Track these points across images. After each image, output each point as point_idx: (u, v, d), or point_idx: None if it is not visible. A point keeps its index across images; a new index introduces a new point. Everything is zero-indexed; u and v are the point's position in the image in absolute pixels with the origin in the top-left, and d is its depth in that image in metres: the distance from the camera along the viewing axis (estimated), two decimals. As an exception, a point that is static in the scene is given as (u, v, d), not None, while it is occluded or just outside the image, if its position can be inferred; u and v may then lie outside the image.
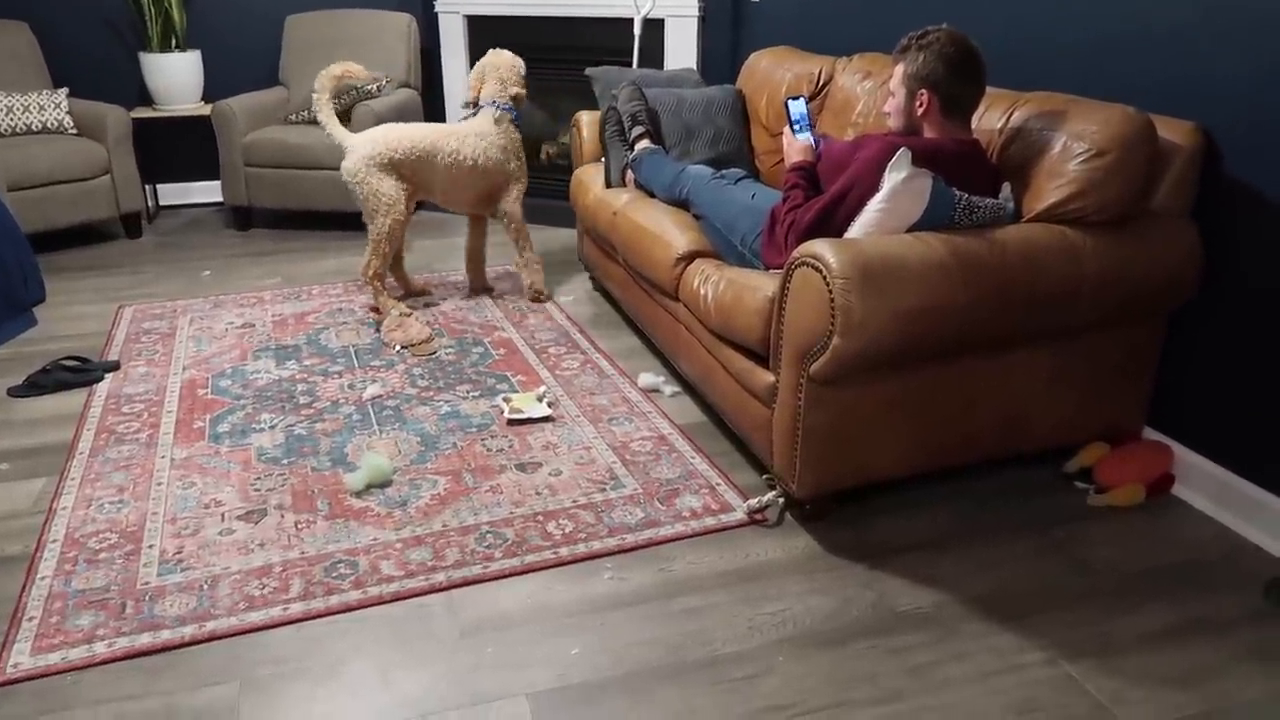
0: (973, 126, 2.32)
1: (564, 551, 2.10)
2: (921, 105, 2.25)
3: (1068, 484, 2.38)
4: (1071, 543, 2.16)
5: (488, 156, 3.44)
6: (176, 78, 4.72)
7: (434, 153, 3.37)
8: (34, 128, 4.30)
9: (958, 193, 2.10)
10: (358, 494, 2.32)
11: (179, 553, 2.09)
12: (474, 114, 3.55)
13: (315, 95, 3.30)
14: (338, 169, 4.33)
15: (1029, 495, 2.34)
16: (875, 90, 2.93)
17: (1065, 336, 2.19)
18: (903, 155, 2.04)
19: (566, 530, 2.18)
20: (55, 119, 4.34)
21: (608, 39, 4.51)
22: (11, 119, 4.25)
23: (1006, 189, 2.25)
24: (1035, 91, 2.41)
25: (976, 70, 2.24)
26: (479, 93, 3.53)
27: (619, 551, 2.11)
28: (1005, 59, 2.65)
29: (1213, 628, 1.88)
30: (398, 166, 3.33)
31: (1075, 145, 2.13)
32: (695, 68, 4.26)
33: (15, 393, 2.90)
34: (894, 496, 2.32)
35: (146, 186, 4.82)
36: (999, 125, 2.36)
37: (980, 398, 2.18)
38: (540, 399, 2.78)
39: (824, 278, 1.90)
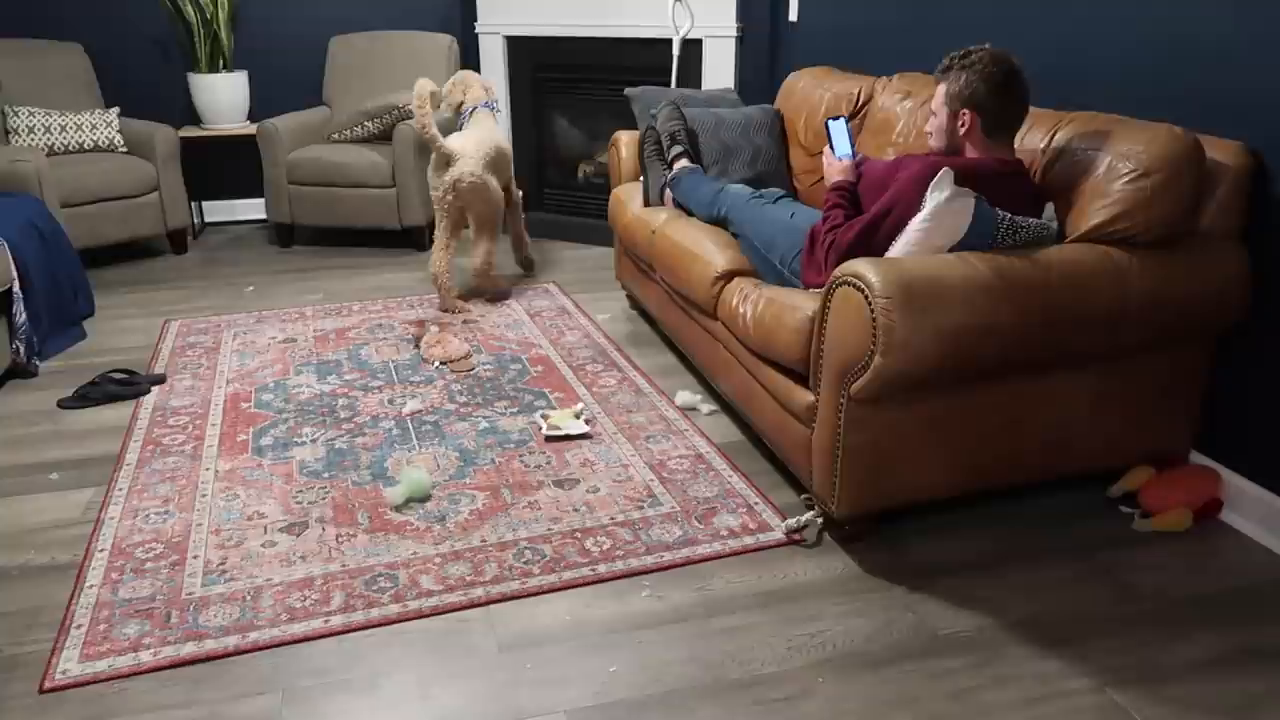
0: (1015, 146, 2.32)
1: (602, 569, 2.11)
2: (964, 125, 2.24)
3: (1112, 508, 2.35)
4: (1117, 567, 2.12)
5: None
6: (223, 97, 4.82)
7: (505, 152, 3.87)
8: (86, 146, 4.42)
9: (1000, 212, 2.08)
10: (397, 508, 2.34)
11: (223, 564, 2.12)
12: (468, 118, 3.90)
13: (417, 108, 3.49)
14: (381, 187, 4.45)
15: (1072, 519, 2.31)
16: (915, 110, 2.92)
17: (1110, 358, 2.17)
18: (945, 175, 2.04)
19: (604, 547, 2.18)
20: (106, 138, 4.45)
21: (646, 59, 4.55)
22: (65, 137, 4.37)
23: (1050, 209, 2.24)
24: (1078, 111, 2.39)
25: (1019, 90, 2.23)
26: (464, 99, 3.93)
27: (657, 569, 2.11)
28: (1048, 78, 2.63)
29: (1263, 656, 1.84)
30: (491, 166, 3.72)
31: (1121, 165, 2.11)
32: (733, 87, 4.28)
33: (65, 404, 2.97)
34: (934, 518, 2.29)
35: (193, 203, 4.92)
36: (1042, 145, 2.35)
37: (1023, 419, 2.15)
38: (578, 416, 2.79)
39: (866, 297, 1.90)
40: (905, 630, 1.92)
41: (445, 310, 3.79)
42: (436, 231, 3.71)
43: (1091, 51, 2.60)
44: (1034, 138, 2.38)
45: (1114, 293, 2.05)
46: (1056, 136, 2.33)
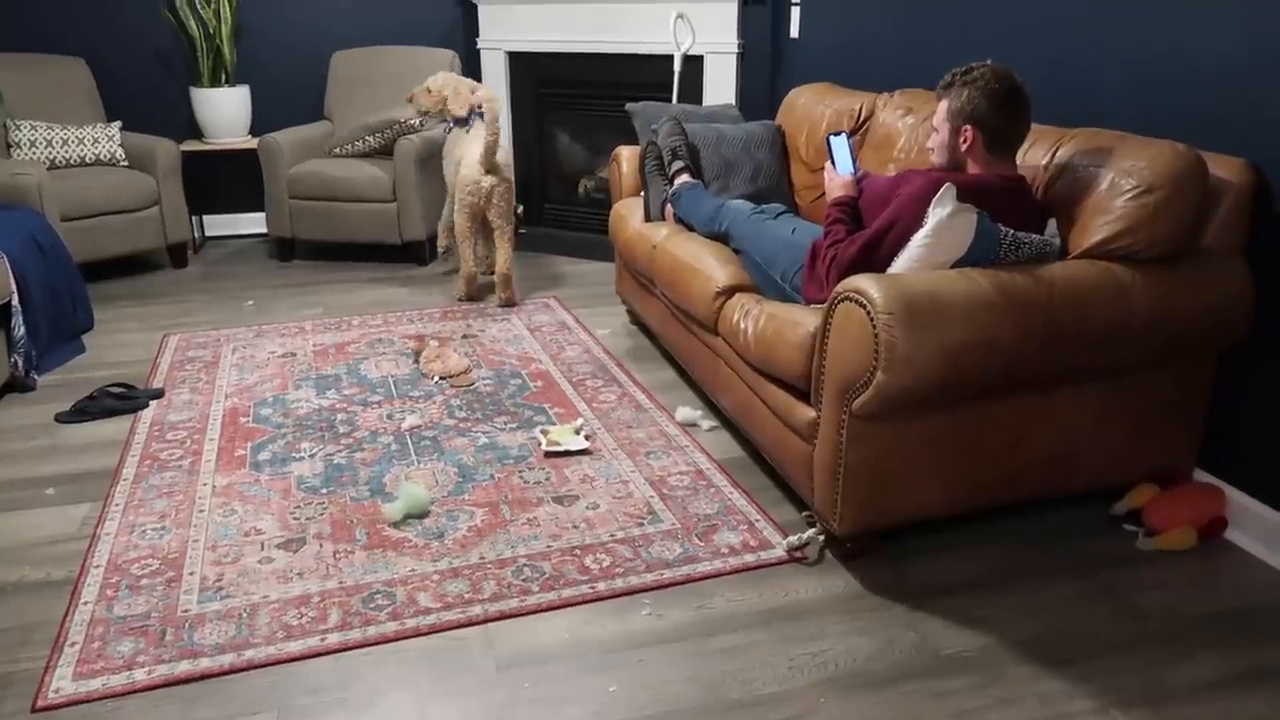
0: (1018, 163, 2.31)
1: (601, 586, 2.09)
2: (965, 141, 2.24)
3: (1116, 526, 2.33)
4: (1121, 586, 2.10)
5: None
6: (225, 112, 4.83)
7: None
8: (88, 160, 4.42)
9: (1003, 229, 2.08)
10: (396, 524, 2.32)
11: (219, 580, 2.11)
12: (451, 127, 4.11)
13: (491, 135, 3.76)
14: (382, 202, 4.47)
15: (1076, 537, 2.29)
16: (917, 126, 2.92)
17: (1113, 374, 2.16)
18: (947, 190, 2.03)
19: (604, 565, 2.17)
20: (108, 151, 4.45)
21: (647, 75, 4.56)
22: (67, 151, 4.37)
23: (1052, 225, 2.23)
24: (1081, 128, 2.39)
25: (1021, 106, 2.23)
26: (444, 108, 4.06)
27: (657, 587, 2.09)
28: (1050, 95, 2.63)
29: (1268, 677, 1.82)
30: None
31: (1123, 181, 2.10)
32: (734, 103, 4.29)
33: (63, 418, 2.95)
34: (936, 536, 2.28)
35: (193, 217, 4.91)
36: (1044, 161, 2.34)
37: (1026, 436, 2.14)
38: (578, 432, 2.77)
39: (868, 313, 1.89)
40: (907, 650, 1.90)
41: (471, 298, 4.07)
42: (467, 231, 3.94)
43: (1094, 68, 2.60)
44: (1036, 154, 2.38)
45: (1116, 309, 2.04)
46: (1059, 153, 2.32)
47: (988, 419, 2.09)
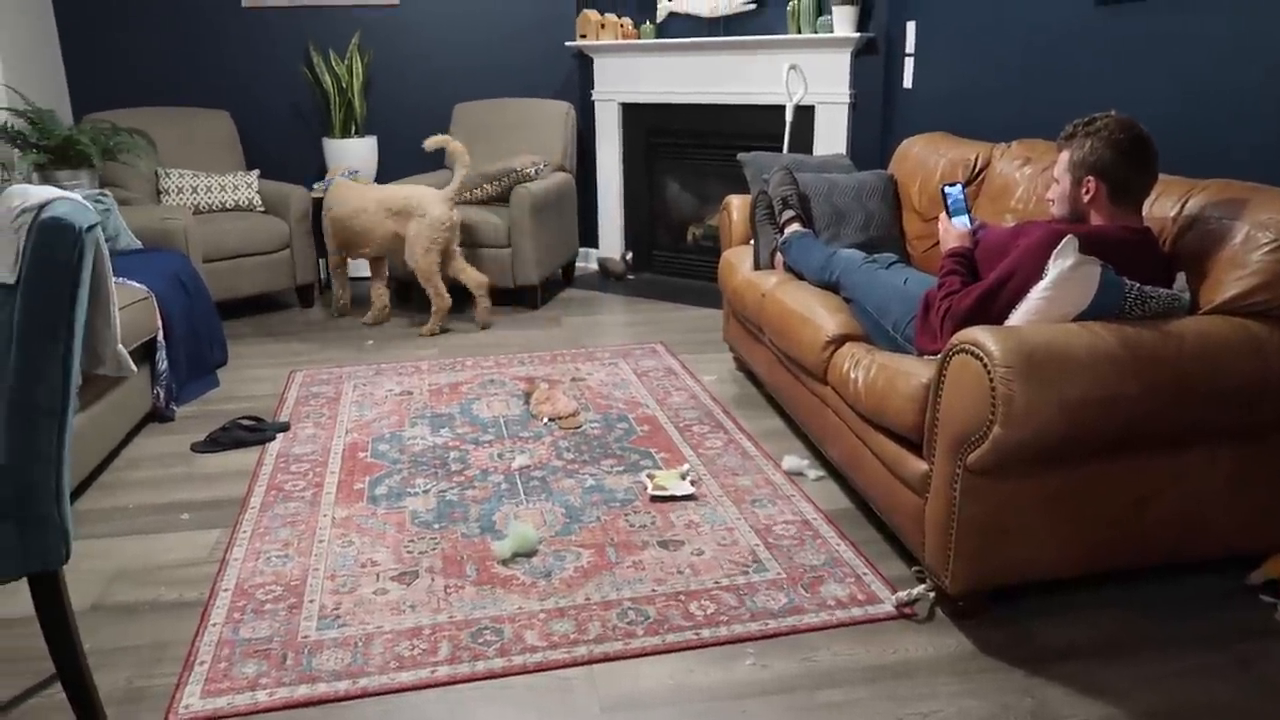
0: (1143, 214, 2.25)
1: (706, 633, 2.08)
2: (1088, 192, 2.19)
3: (1252, 596, 2.20)
4: (1257, 661, 1.98)
5: None
6: (354, 161, 5.09)
7: None
8: (228, 205, 4.71)
9: (1128, 282, 2.02)
10: (504, 562, 2.37)
11: (337, 609, 2.19)
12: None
13: (460, 163, 4.21)
14: (498, 247, 4.61)
15: (1207, 605, 2.17)
16: (1035, 176, 2.87)
17: (1247, 435, 2.05)
18: (1069, 242, 1.99)
19: (709, 611, 2.16)
20: (247, 198, 4.74)
21: (758, 125, 4.61)
22: (209, 197, 4.67)
23: (1181, 279, 2.15)
24: (1212, 179, 2.31)
25: (1147, 157, 2.17)
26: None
27: (761, 637, 2.07)
28: (1176, 145, 2.55)
29: None
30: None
31: (1260, 235, 2.02)
32: (845, 153, 4.29)
33: (197, 448, 3.13)
34: (1055, 598, 2.19)
35: (319, 260, 5.17)
36: (1173, 213, 2.27)
37: (1152, 496, 2.05)
38: (683, 477, 2.78)
39: (985, 365, 1.86)
40: (1023, 716, 1.83)
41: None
42: (436, 267, 4.28)
43: (1222, 118, 2.51)
44: (1164, 205, 2.31)
45: (1252, 367, 1.95)
46: (1188, 204, 2.25)
47: (1110, 477, 2.02)
